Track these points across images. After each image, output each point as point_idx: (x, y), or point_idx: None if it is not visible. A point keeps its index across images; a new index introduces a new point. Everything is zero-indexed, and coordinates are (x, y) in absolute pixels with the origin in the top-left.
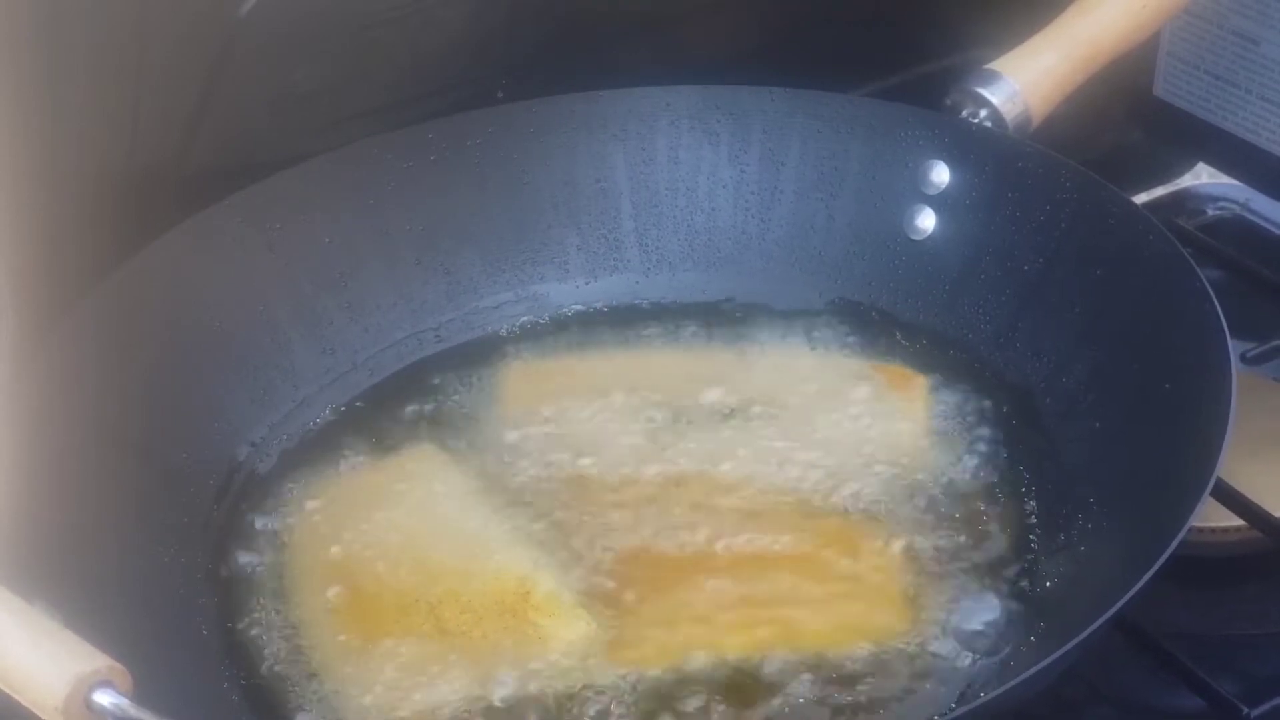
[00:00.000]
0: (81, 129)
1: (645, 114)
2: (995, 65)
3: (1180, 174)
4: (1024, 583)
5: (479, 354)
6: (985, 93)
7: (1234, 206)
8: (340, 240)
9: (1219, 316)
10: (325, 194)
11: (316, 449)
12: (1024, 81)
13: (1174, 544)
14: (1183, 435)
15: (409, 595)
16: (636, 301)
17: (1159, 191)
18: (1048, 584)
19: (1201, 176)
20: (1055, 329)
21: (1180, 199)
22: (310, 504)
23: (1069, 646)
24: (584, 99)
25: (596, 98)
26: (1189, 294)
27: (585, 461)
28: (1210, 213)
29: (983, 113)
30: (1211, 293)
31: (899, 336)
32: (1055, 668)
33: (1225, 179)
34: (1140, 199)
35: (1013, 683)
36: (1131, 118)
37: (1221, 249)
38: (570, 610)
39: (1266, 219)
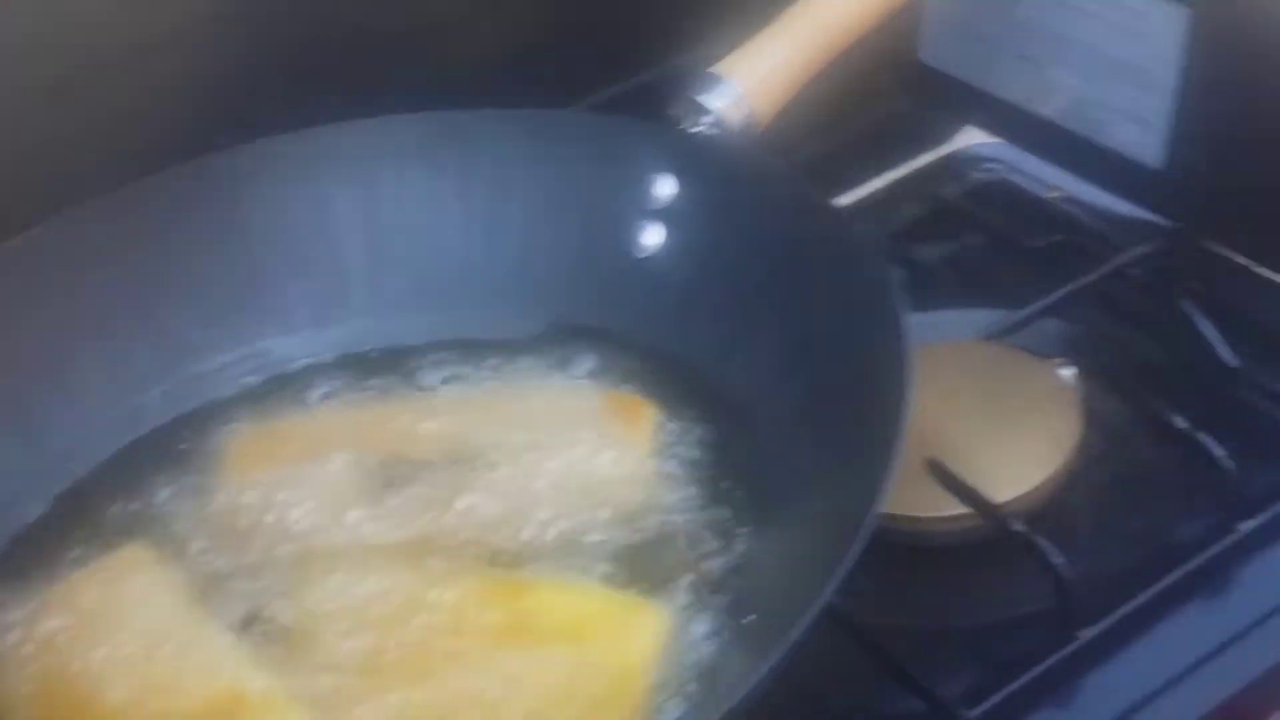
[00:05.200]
0: None
1: (363, 149)
2: (718, 68)
3: (948, 138)
4: (734, 604)
5: (198, 424)
6: (707, 99)
7: (999, 168)
8: (48, 325)
9: (897, 307)
10: (24, 279)
11: (25, 553)
12: (749, 83)
13: (857, 546)
14: (864, 436)
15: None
16: (366, 350)
17: (928, 158)
18: (763, 602)
19: (973, 139)
20: (769, 342)
21: (947, 164)
22: (12, 614)
23: (769, 665)
24: (296, 139)
25: (310, 136)
26: (873, 285)
27: (304, 536)
28: (975, 176)
29: (707, 119)
30: (893, 283)
31: (629, 360)
32: (758, 689)
33: (994, 139)
34: (909, 166)
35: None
36: (897, 85)
37: (981, 214)
38: (286, 706)
39: (1033, 178)
